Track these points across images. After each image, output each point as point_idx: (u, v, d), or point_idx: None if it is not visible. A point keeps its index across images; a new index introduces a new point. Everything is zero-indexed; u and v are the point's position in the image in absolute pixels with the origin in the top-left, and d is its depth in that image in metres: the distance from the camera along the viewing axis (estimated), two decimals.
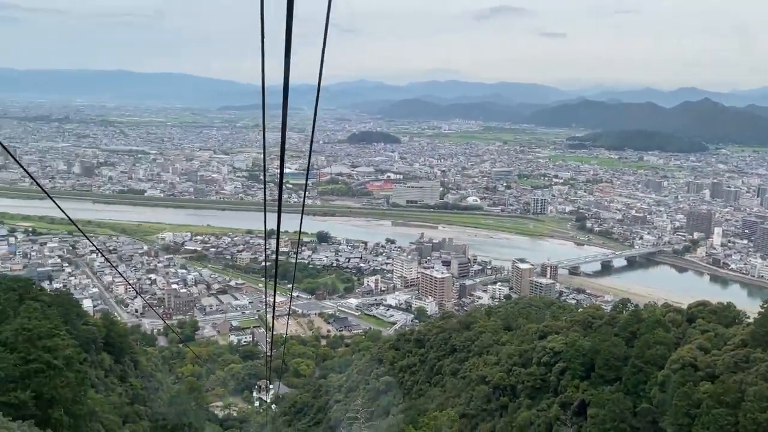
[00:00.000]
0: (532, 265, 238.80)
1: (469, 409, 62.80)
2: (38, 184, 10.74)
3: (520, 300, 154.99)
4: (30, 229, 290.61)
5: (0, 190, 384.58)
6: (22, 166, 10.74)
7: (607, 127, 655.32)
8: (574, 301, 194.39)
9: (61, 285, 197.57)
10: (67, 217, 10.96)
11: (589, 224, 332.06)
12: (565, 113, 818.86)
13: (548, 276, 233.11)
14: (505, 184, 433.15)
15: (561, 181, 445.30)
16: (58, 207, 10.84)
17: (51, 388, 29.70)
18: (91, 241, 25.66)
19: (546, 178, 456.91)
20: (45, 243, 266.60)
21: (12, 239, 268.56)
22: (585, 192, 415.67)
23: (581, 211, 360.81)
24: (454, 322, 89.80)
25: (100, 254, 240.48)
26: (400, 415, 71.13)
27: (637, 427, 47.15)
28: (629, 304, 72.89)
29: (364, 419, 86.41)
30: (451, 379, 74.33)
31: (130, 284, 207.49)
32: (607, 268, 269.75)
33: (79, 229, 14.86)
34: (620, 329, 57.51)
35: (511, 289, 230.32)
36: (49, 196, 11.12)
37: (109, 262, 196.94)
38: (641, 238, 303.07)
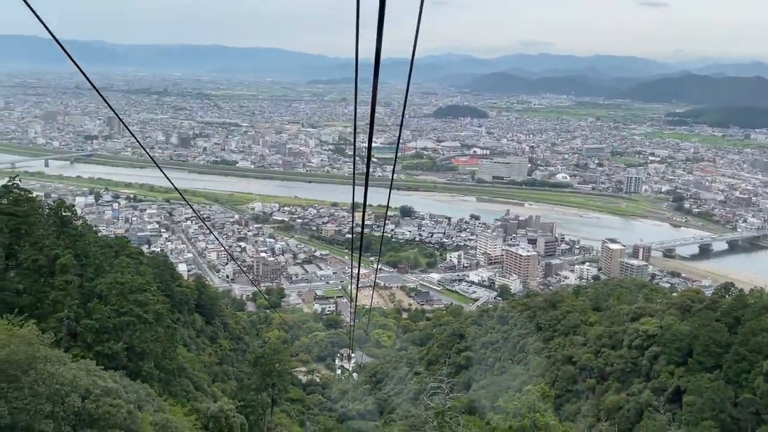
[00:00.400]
0: (624, 245, 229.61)
1: (553, 389, 60.98)
2: (150, 157, 11.38)
3: (609, 281, 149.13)
4: (131, 195, 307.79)
5: (105, 158, 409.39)
6: (138, 141, 12.16)
7: (710, 103, 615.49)
8: (668, 285, 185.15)
9: (159, 249, 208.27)
10: (174, 187, 12.01)
11: (687, 205, 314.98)
12: (665, 88, 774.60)
13: (641, 257, 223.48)
14: (596, 161, 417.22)
15: (657, 159, 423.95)
16: (167, 177, 11.49)
17: (141, 341, 30.67)
18: (195, 212, 26.46)
19: (641, 156, 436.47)
20: (144, 209, 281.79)
21: (115, 205, 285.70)
22: (684, 171, 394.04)
23: (679, 191, 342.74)
24: (540, 300, 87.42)
25: (197, 222, 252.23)
26: (481, 390, 70.31)
27: (737, 417, 44.20)
28: (732, 289, 68.17)
29: (446, 392, 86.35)
30: (535, 357, 72.50)
31: (226, 250, 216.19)
32: (705, 252, 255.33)
33: (185, 199, 15.71)
34: (722, 314, 53.85)
35: (599, 269, 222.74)
36: (158, 166, 11.74)
37: (211, 231, 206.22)
38: (745, 221, 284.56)
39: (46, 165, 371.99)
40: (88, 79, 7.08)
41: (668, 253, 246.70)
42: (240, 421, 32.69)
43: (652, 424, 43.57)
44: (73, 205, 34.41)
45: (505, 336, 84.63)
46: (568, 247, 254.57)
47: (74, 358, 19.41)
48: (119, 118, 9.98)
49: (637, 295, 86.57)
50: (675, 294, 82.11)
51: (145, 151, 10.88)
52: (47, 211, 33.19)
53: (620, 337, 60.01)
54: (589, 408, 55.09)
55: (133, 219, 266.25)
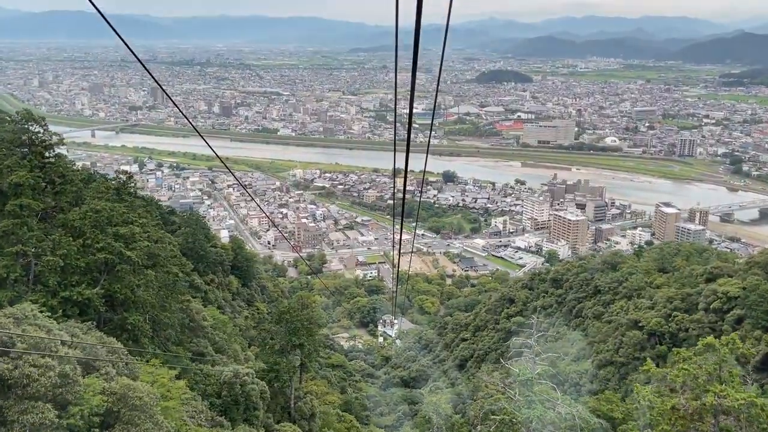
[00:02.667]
0: (679, 209, 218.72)
1: (617, 356, 55.52)
2: (192, 125, 11.18)
3: (666, 245, 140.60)
4: (174, 164, 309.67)
5: (149, 128, 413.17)
6: (181, 111, 10.96)
7: None
8: (727, 250, 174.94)
9: (202, 215, 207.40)
10: (216, 154, 11.27)
11: (745, 168, 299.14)
12: (719, 48, 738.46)
13: (697, 222, 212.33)
14: (647, 124, 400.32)
15: (713, 121, 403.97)
16: (209, 145, 11.21)
17: (124, 287, 25.02)
18: (237, 179, 21.83)
19: (695, 119, 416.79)
20: (187, 177, 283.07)
21: (159, 173, 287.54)
22: (741, 133, 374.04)
23: (736, 153, 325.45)
24: (598, 262, 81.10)
25: (239, 188, 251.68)
26: (534, 357, 64.77)
27: None
28: None
29: (493, 359, 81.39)
30: (594, 322, 66.82)
31: (267, 216, 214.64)
32: (766, 216, 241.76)
33: (226, 166, 12.85)
34: None
35: (653, 234, 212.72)
36: (200, 135, 11.51)
37: (252, 197, 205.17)
38: None
39: (93, 135, 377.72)
40: (131, 51, 7.22)
41: (726, 218, 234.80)
42: (260, 388, 28.00)
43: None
44: (44, 118, 29.17)
45: (559, 300, 78.95)
46: (618, 211, 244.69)
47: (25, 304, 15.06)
48: (162, 88, 10.17)
49: (707, 257, 79.56)
50: (757, 252, 74.43)
51: (188, 120, 8.96)
52: (11, 126, 27.86)
53: (694, 299, 53.83)
54: (661, 377, 49.30)
55: (176, 186, 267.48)
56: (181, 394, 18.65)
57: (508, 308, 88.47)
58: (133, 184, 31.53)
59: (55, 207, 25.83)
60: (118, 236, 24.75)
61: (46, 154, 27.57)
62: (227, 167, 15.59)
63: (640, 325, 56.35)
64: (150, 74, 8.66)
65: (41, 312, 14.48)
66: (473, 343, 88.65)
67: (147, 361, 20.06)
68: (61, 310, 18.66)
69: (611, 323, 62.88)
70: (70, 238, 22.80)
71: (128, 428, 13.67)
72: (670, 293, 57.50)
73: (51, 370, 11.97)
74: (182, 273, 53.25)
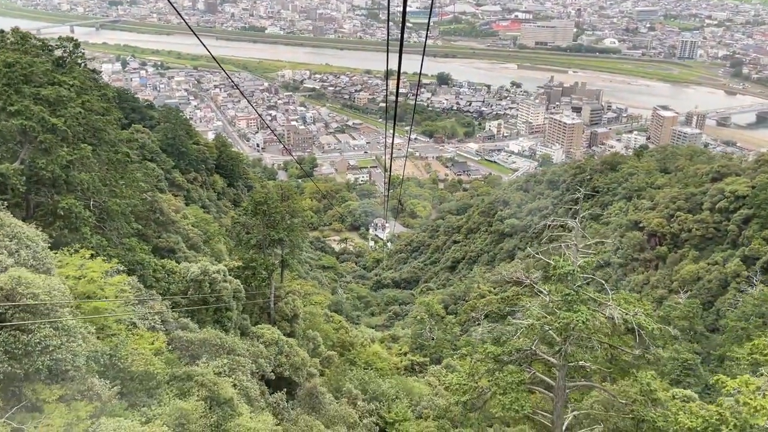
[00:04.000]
0: (676, 113, 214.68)
1: (615, 257, 54.04)
2: (188, 25, 10.23)
3: (662, 148, 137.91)
4: (158, 62, 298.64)
5: (131, 24, 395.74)
6: (173, 6, 9.91)
7: None
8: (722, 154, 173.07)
9: (188, 116, 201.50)
10: (208, 51, 10.26)
11: (745, 71, 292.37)
12: None
13: (694, 125, 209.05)
14: (648, 25, 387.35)
15: (715, 22, 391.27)
16: (201, 42, 10.39)
17: (51, 162, 20.55)
18: (228, 75, 18.43)
19: (697, 19, 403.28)
20: (172, 77, 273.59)
21: (143, 72, 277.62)
22: (743, 35, 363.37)
23: (737, 56, 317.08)
24: (597, 162, 78.54)
25: (225, 89, 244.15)
26: (528, 259, 63.59)
27: None
28: None
29: (485, 261, 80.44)
30: (592, 224, 65.03)
31: (260, 116, 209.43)
32: (763, 120, 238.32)
33: (218, 63, 9.80)
34: None
35: (648, 139, 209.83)
36: (195, 34, 10.69)
37: (244, 95, 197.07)
38: None
39: (72, 31, 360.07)
40: None
41: (723, 122, 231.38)
42: (233, 287, 25.57)
43: (750, 297, 36.09)
44: None
45: (555, 202, 76.99)
46: (614, 115, 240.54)
47: None
48: None
49: (707, 158, 77.09)
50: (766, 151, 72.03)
51: (180, 15, 11.09)
52: None
53: (698, 199, 51.77)
54: (660, 279, 48.01)
55: (161, 86, 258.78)
56: (119, 291, 15.96)
57: (501, 210, 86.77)
58: (80, 54, 26.93)
59: None
60: (39, 99, 20.98)
61: None
62: (220, 65, 13.26)
63: (640, 225, 54.58)
64: None
65: None
66: (465, 246, 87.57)
67: (76, 252, 16.90)
68: None
69: (609, 225, 61.20)
70: None
71: (17, 335, 10.89)
72: (673, 193, 55.40)
73: None
74: (161, 169, 50.41)
